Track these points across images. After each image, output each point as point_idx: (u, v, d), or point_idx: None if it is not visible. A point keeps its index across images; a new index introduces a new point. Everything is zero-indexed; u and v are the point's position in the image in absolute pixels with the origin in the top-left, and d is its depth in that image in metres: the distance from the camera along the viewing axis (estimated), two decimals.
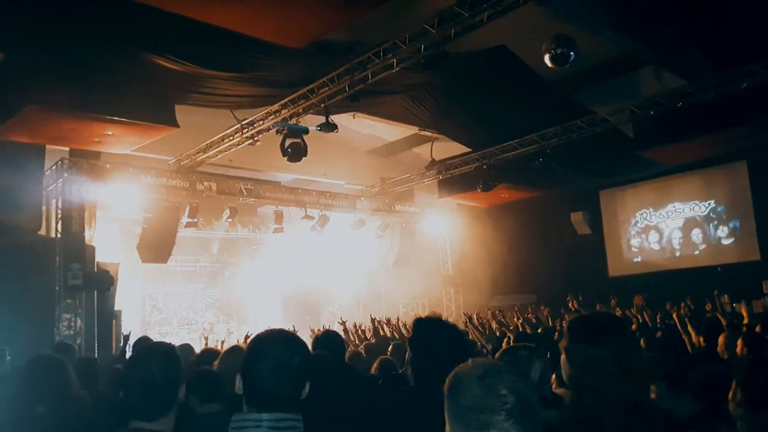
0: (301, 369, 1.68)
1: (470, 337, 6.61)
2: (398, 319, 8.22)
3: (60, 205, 9.58)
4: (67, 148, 9.67)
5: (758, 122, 9.13)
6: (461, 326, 7.98)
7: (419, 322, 2.42)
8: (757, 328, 4.91)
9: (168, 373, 1.97)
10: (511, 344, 3.95)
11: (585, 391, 1.59)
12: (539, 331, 6.14)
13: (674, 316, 5.80)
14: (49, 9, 6.03)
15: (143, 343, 5.17)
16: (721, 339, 4.31)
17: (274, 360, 1.65)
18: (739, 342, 3.82)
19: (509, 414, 1.11)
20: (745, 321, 5.08)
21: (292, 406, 1.65)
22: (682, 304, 6.14)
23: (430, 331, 2.34)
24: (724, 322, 5.31)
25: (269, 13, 6.08)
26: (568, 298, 8.10)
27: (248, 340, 1.78)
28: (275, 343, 1.70)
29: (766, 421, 2.00)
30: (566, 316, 7.89)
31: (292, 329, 6.83)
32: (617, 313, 6.92)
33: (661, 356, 3.80)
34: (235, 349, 3.66)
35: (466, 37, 6.98)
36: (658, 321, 6.86)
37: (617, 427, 1.53)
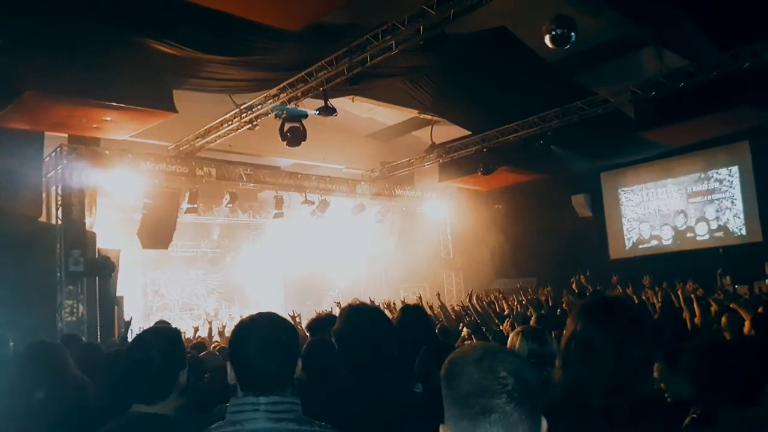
0: (290, 346, 1.67)
1: (472, 318, 6.61)
2: (395, 304, 8.22)
3: (60, 192, 9.56)
4: (66, 135, 9.63)
5: (761, 102, 9.04)
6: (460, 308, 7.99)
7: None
8: (759, 309, 4.88)
9: (170, 357, 1.98)
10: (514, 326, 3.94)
11: (572, 368, 1.57)
12: (542, 312, 6.11)
13: (679, 293, 5.75)
14: None
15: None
16: (723, 319, 4.26)
17: (261, 339, 1.64)
18: (747, 323, 3.75)
19: (510, 396, 1.08)
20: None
21: (286, 386, 1.64)
22: (689, 282, 6.06)
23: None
24: (715, 307, 5.28)
25: None
26: (572, 280, 8.00)
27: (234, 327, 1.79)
28: (260, 324, 1.70)
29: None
30: (565, 297, 7.86)
31: (293, 313, 6.79)
32: (617, 292, 6.89)
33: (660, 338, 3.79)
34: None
35: (465, 18, 6.89)
36: (659, 300, 6.82)
37: (599, 409, 1.51)
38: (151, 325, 5.67)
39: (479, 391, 1.10)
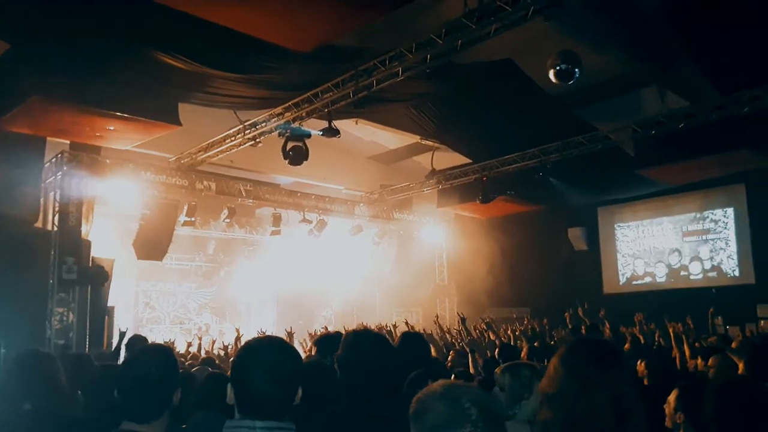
0: (294, 373, 1.68)
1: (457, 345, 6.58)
2: (389, 326, 8.19)
3: (58, 199, 9.53)
4: (68, 141, 9.65)
5: (759, 146, 9.16)
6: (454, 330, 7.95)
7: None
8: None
9: (164, 376, 1.96)
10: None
11: (556, 416, 1.51)
12: (536, 344, 6.06)
13: (671, 330, 5.67)
14: (55, 1, 6.04)
15: (137, 340, 5.14)
16: (712, 361, 3.91)
17: (266, 365, 1.64)
18: (741, 365, 3.47)
19: (475, 426, 1.13)
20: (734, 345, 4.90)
21: (284, 412, 1.63)
22: (688, 320, 5.97)
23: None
24: (705, 344, 5.21)
25: (278, 15, 6.09)
26: (566, 314, 7.96)
27: (238, 348, 1.78)
28: (267, 349, 1.70)
29: None
30: (556, 332, 7.84)
31: (289, 329, 6.75)
32: (607, 327, 6.87)
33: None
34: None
35: (472, 48, 7.00)
36: (657, 338, 6.79)
37: None
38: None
39: (445, 422, 1.14)
